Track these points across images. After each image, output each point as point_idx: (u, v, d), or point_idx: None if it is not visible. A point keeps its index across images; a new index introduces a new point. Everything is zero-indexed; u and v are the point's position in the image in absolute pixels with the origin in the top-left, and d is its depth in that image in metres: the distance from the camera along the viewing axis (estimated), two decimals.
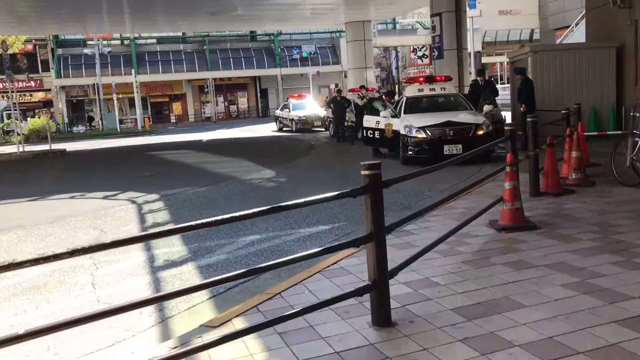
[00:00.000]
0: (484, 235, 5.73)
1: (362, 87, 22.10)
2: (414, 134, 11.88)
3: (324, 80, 45.68)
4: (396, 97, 18.32)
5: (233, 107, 51.21)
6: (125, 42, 46.20)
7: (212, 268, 5.62)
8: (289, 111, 27.49)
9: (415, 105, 13.23)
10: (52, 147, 22.73)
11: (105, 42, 41.02)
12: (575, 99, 13.87)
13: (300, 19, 24.83)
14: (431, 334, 3.45)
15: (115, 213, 8.96)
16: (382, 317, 3.54)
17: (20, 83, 38.45)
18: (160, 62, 46.59)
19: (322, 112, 28.54)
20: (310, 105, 28.29)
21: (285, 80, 48.91)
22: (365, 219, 3.49)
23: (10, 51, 26.47)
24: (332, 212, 7.86)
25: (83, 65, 43.15)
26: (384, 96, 17.95)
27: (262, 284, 4.94)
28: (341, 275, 4.76)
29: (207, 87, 47.91)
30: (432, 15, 20.16)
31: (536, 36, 43.01)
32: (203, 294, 4.77)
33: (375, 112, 14.05)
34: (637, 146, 7.39)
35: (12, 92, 23.17)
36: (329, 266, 5.00)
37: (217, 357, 3.36)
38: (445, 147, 11.62)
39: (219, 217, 2.91)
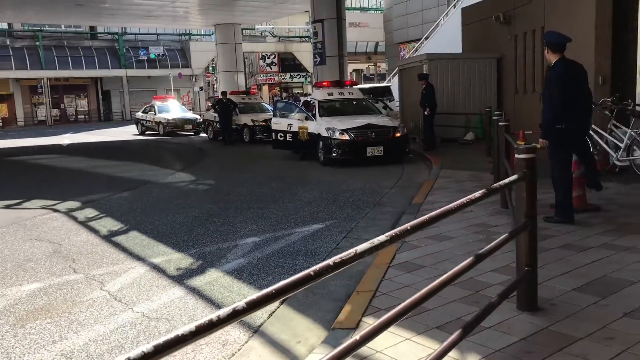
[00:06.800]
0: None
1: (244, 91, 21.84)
2: (337, 136, 12.00)
3: (175, 83, 43.86)
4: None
5: (71, 110, 46.90)
6: None
7: (244, 273, 5.15)
8: (155, 114, 26.04)
9: (328, 109, 13.37)
10: None
11: None
12: (463, 104, 15.21)
13: (170, 17, 23.60)
14: (582, 314, 3.55)
15: (45, 223, 7.73)
16: (530, 302, 3.57)
17: None
18: None
19: (190, 114, 27.56)
20: (176, 108, 27.11)
21: (131, 82, 46.14)
22: (517, 205, 3.50)
23: None
24: (308, 212, 7.66)
25: None
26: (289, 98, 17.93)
27: (321, 284, 4.67)
28: (415, 269, 4.66)
29: (41, 88, 43.30)
30: (313, 22, 20.55)
31: (380, 49, 46.02)
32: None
33: (284, 115, 13.95)
34: None
35: None
36: (391, 262, 4.87)
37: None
38: (368, 149, 11.93)
39: None
